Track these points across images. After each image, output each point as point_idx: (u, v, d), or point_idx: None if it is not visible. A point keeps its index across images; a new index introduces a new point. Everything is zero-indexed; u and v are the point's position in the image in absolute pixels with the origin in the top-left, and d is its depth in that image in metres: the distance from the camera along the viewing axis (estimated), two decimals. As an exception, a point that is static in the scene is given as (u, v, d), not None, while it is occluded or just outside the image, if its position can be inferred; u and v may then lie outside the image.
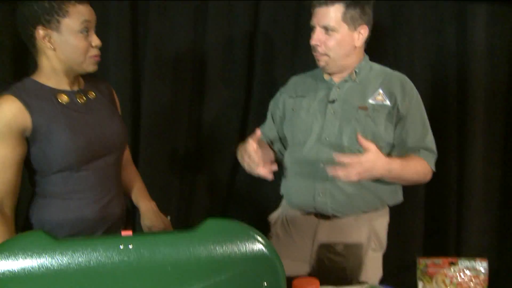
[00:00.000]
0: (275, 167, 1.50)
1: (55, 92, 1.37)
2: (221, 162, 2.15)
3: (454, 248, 1.83)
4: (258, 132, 1.49)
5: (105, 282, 0.88)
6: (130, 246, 0.89)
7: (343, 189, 1.56)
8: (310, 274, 1.65)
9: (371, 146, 1.38)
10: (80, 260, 0.88)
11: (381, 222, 1.66)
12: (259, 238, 0.91)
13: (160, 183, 2.00)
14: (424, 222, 1.97)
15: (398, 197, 1.67)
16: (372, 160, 1.38)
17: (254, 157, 1.48)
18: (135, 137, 2.06)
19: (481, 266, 1.11)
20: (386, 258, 1.69)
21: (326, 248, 1.63)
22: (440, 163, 1.58)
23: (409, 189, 1.70)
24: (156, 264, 0.88)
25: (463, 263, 1.12)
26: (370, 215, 1.62)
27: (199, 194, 2.17)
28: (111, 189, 1.49)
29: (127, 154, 1.66)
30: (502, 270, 1.37)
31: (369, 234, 1.62)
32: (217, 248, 0.89)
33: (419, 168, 1.53)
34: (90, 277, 0.88)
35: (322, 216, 1.62)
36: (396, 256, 1.81)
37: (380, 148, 1.47)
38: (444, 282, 1.11)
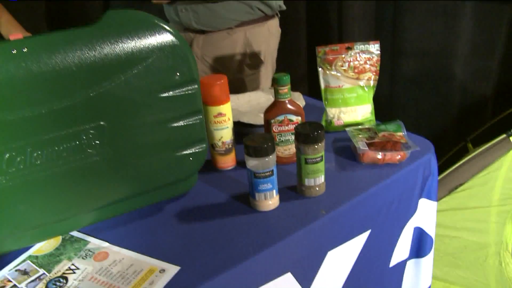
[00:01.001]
0: None
1: None
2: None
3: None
4: None
5: (4, 94, 0.79)
6: (25, 50, 0.79)
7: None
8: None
9: None
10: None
11: (258, 36, 1.64)
12: (167, 27, 0.86)
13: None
14: (307, 36, 2.04)
15: (273, 7, 1.63)
16: None
17: None
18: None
19: (374, 47, 1.18)
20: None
21: (201, 63, 1.65)
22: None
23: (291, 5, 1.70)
24: (58, 66, 0.80)
25: (358, 46, 1.17)
26: (245, 28, 1.61)
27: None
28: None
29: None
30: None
31: (244, 48, 1.63)
32: (123, 41, 0.82)
33: None
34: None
35: (197, 31, 1.62)
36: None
37: None
38: (342, 66, 1.17)
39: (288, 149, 1.08)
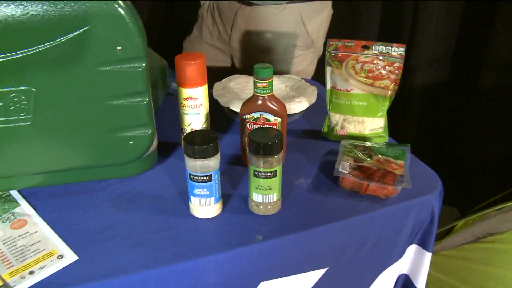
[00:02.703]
0: None
1: None
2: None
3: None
4: None
5: None
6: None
7: None
8: (232, 64, 1.55)
9: None
10: None
11: (312, 16, 1.46)
12: (110, -7, 0.75)
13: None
14: (380, 25, 1.80)
15: None
16: None
17: None
18: None
19: (397, 51, 0.97)
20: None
21: (243, 37, 1.49)
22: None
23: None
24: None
25: (378, 47, 0.97)
26: (298, 5, 1.43)
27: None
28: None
29: None
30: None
31: (295, 27, 1.45)
32: (55, 3, 0.73)
33: None
34: None
35: (244, 1, 1.45)
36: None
37: None
38: (354, 67, 0.98)
39: (263, 152, 0.94)
